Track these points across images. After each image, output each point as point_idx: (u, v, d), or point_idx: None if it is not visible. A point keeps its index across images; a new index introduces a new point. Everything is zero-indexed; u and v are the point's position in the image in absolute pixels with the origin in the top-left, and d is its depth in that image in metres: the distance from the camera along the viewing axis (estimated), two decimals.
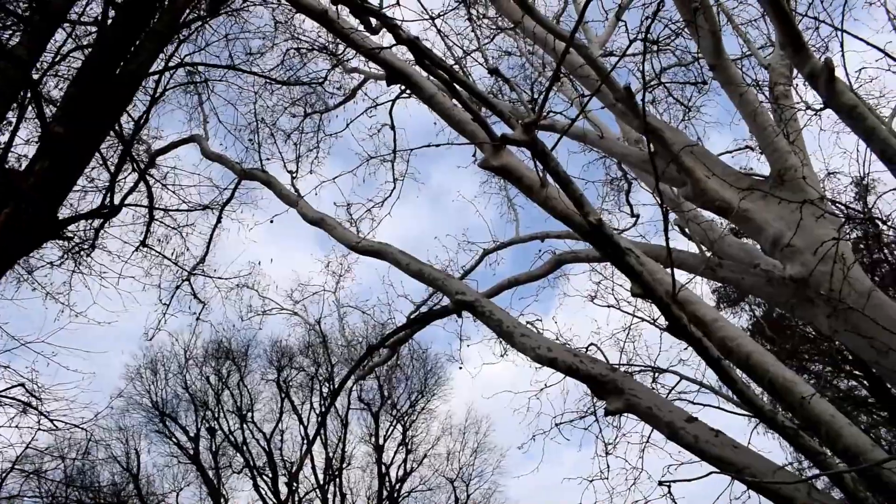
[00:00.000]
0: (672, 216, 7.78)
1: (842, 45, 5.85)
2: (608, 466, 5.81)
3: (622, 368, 9.62)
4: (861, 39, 5.01)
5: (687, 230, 7.66)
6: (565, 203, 4.64)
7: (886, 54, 4.82)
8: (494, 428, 28.50)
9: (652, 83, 7.56)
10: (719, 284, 15.08)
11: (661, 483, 3.39)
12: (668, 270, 4.55)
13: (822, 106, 5.54)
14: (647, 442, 7.96)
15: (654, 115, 6.98)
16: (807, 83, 5.76)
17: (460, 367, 10.55)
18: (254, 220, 11.14)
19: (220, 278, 11.70)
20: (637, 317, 8.95)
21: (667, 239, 3.85)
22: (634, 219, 9.73)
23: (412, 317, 7.37)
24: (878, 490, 4.22)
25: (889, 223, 8.47)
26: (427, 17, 5.49)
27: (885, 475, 4.16)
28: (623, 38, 9.76)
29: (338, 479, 25.82)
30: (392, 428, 27.39)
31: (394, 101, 9.45)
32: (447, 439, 28.05)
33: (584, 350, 5.50)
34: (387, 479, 26.53)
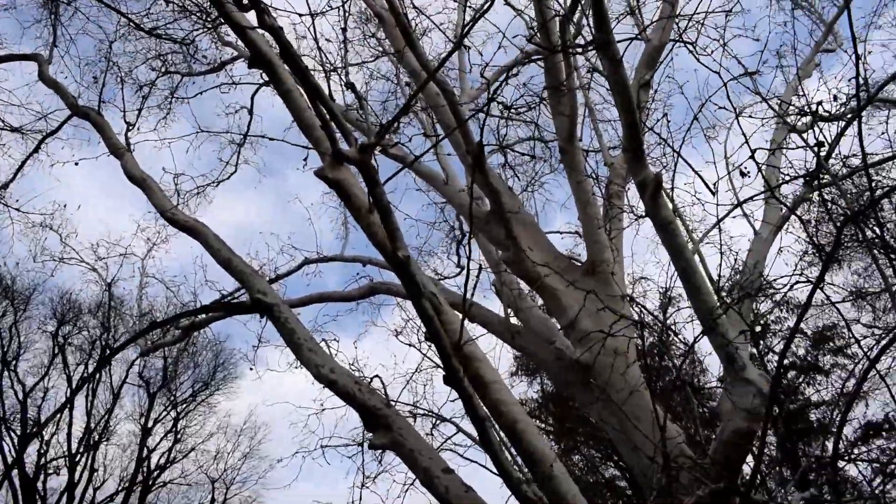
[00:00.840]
0: (492, 277, 8.05)
1: (675, 167, 6.36)
2: (360, 498, 5.81)
3: (406, 409, 9.74)
4: (687, 163, 5.42)
5: (501, 295, 7.93)
6: (384, 233, 4.66)
7: (703, 181, 5.25)
8: (271, 437, 27.86)
9: (504, 146, 7.84)
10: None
11: None
12: (465, 322, 4.67)
13: (644, 214, 5.98)
14: (412, 485, 8.07)
15: (498, 177, 7.21)
16: (637, 190, 6.16)
17: (251, 368, 10.30)
18: (73, 158, 10.28)
19: (19, 210, 10.75)
20: (430, 360, 9.10)
21: (465, 290, 3.96)
22: (459, 269, 9.97)
23: (209, 303, 7.07)
24: None
25: (680, 336, 9.20)
26: (305, 13, 5.38)
27: None
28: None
29: (92, 452, 24.11)
30: (166, 413, 26.09)
31: (258, 87, 9.22)
32: (220, 438, 27.10)
33: (369, 381, 5.50)
34: (146, 463, 25.14)
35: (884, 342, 4.92)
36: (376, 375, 5.53)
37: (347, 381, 5.17)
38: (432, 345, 9.34)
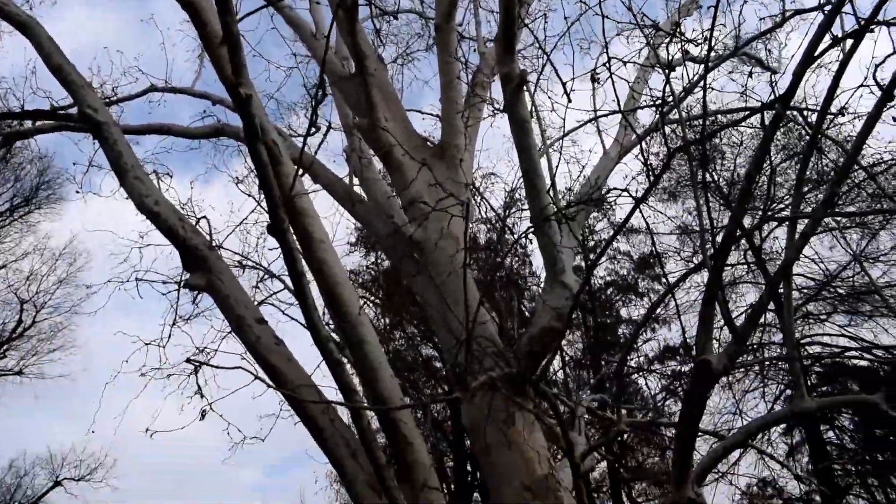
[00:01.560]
0: (346, 143, 7.90)
1: (541, 69, 6.38)
2: (170, 335, 5.73)
3: (234, 259, 9.58)
4: (553, 66, 5.46)
5: (349, 160, 7.81)
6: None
7: (563, 86, 5.31)
8: (91, 266, 26.67)
9: (380, 15, 7.56)
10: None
11: (189, 360, 3.39)
12: (299, 173, 4.59)
13: (503, 108, 6.01)
14: (230, 333, 8.03)
15: (367, 41, 6.97)
16: (501, 84, 6.15)
17: (77, 191, 9.69)
18: None
19: None
20: (263, 209, 8.83)
21: (304, 139, 3.85)
22: (315, 129, 9.70)
23: (33, 109, 6.49)
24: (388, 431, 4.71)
25: (514, 231, 9.53)
26: None
27: (401, 425, 4.66)
28: None
29: None
30: None
31: None
32: (36, 259, 25.65)
33: (195, 221, 5.32)
34: None
35: (682, 274, 5.33)
36: (203, 216, 5.37)
37: (171, 216, 4.99)
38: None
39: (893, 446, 21.86)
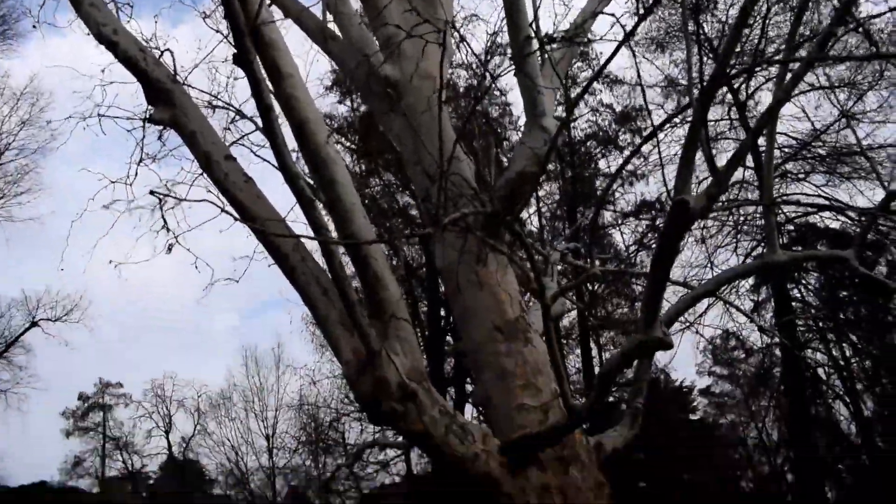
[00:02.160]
0: None
1: None
2: (136, 173, 5.56)
3: (204, 98, 9.22)
4: None
5: None
6: None
7: None
8: (54, 107, 25.85)
9: None
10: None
11: (152, 192, 3.27)
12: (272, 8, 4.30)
13: None
14: (202, 174, 7.85)
15: None
16: None
17: (34, 26, 9.15)
18: None
19: None
20: (230, 43, 8.40)
21: None
22: None
23: None
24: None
25: (494, 77, 9.20)
26: None
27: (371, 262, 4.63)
28: None
29: None
30: None
31: None
32: None
33: (159, 53, 5.03)
34: None
35: (667, 116, 5.19)
36: (167, 49, 5.09)
37: (131, 46, 4.71)
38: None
39: (855, 306, 22.72)
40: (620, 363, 3.74)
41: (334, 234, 4.72)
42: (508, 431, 5.35)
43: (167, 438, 51.36)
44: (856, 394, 22.71)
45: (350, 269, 6.18)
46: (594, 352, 26.10)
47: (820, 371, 22.66)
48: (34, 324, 27.39)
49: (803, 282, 23.26)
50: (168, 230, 4.64)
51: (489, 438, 5.09)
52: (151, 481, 59.23)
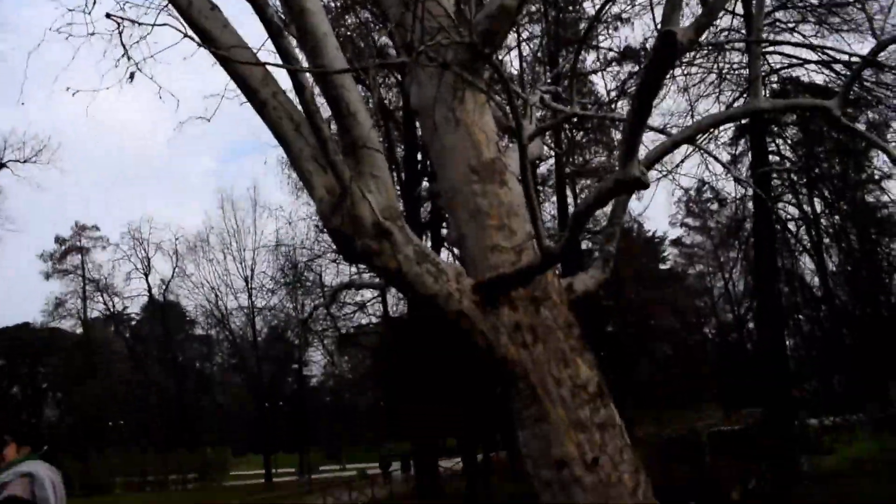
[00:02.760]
0: None
1: None
2: (95, 2, 5.22)
3: None
4: None
5: None
6: None
7: None
8: None
9: None
10: None
11: (108, 16, 3.05)
12: None
13: None
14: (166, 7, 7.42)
15: None
16: None
17: None
18: None
19: None
20: None
21: None
22: None
23: None
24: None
25: None
26: None
27: (343, 93, 4.47)
28: None
29: None
30: None
31: None
32: None
33: None
34: None
35: None
36: None
37: None
38: None
39: (829, 162, 22.86)
40: (596, 202, 3.71)
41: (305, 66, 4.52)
42: (482, 271, 5.42)
43: (146, 280, 52.14)
44: (822, 248, 23.34)
45: (325, 110, 6.01)
46: (570, 199, 26.28)
47: (790, 225, 23.12)
48: (2, 165, 26.82)
49: (782, 136, 23.24)
50: (129, 58, 4.40)
51: (463, 278, 5.15)
52: (133, 322, 60.74)
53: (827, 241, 23.69)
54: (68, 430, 54.27)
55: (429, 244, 28.62)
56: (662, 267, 61.34)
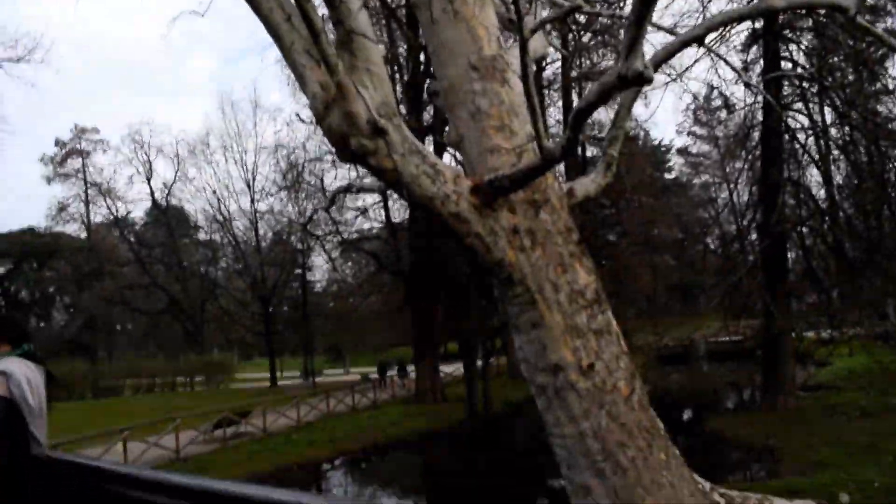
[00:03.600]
0: None
1: None
2: None
3: None
4: None
5: None
6: None
7: None
8: None
9: None
10: None
11: None
12: None
13: None
14: None
15: None
16: None
17: None
18: None
19: None
20: None
21: None
22: None
23: None
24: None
25: None
26: None
27: None
28: None
29: None
30: None
31: None
32: None
33: None
34: None
35: None
36: None
37: None
38: None
39: (843, 71, 22.23)
40: (598, 99, 3.55)
41: None
42: (481, 173, 5.29)
43: (149, 184, 51.85)
44: (830, 159, 22.97)
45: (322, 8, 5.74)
46: (576, 103, 25.76)
47: (799, 135, 22.68)
48: None
49: (797, 42, 22.53)
50: None
51: (461, 179, 5.03)
52: (137, 227, 60.87)
53: (836, 152, 23.23)
54: (77, 333, 55.26)
55: (432, 149, 28.31)
56: (668, 176, 60.98)
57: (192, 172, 72.94)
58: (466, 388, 28.32)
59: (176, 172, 51.54)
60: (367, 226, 36.38)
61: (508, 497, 17.55)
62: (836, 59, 21.63)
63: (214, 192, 48.78)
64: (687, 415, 27.81)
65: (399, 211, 33.83)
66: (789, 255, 24.72)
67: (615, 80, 3.21)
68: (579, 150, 30.39)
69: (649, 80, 3.12)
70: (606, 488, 6.34)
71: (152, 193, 52.53)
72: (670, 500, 6.55)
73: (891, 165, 22.90)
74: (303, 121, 34.53)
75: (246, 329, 52.68)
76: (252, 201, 47.32)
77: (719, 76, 42.22)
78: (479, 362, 29.01)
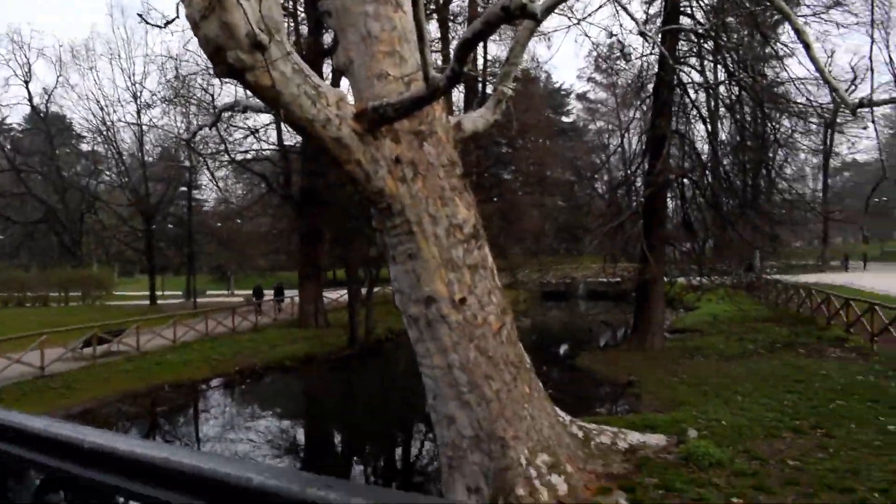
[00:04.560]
0: None
1: None
2: None
3: None
4: None
5: None
6: None
7: None
8: None
9: None
10: None
11: None
12: None
13: None
14: None
15: None
16: None
17: None
18: None
19: None
20: None
21: None
22: None
23: None
24: None
25: None
26: None
27: None
28: None
29: None
30: None
31: None
32: None
33: None
34: None
35: None
36: None
37: None
38: None
39: (737, 32, 22.98)
40: (482, 30, 3.48)
41: None
42: (367, 99, 5.16)
43: (27, 88, 48.17)
44: (717, 116, 23.89)
45: None
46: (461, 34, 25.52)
47: (689, 90, 23.38)
48: None
49: (698, 1, 23.02)
50: None
51: (344, 103, 4.89)
52: (13, 134, 56.66)
53: (723, 110, 24.21)
54: None
55: (330, 74, 27.50)
56: (566, 119, 62.00)
57: (76, 79, 68.23)
58: (349, 314, 28.38)
59: (58, 77, 48.08)
60: (257, 146, 35.25)
61: (386, 421, 17.91)
62: (732, 19, 22.28)
63: (98, 101, 45.88)
64: (563, 350, 29.00)
65: (292, 133, 32.93)
66: (669, 205, 25.77)
67: (499, 12, 3.15)
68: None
69: (532, 15, 3.08)
70: (470, 419, 6.52)
71: (30, 98, 48.92)
72: (530, 431, 6.81)
73: (772, 126, 24.09)
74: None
75: (126, 245, 50.53)
76: (138, 113, 44.85)
77: (621, 26, 42.89)
78: (364, 290, 29.07)
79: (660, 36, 20.92)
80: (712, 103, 23.67)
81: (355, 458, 15.29)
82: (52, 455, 1.36)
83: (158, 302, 43.73)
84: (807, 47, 6.38)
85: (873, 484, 8.39)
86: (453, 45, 30.69)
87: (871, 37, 15.30)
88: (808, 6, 21.28)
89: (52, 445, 1.35)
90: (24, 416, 1.49)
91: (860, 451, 9.76)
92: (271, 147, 34.92)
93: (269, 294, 37.07)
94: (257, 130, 33.48)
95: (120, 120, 46.43)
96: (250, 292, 39.81)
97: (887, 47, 29.39)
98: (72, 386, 17.97)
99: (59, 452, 1.34)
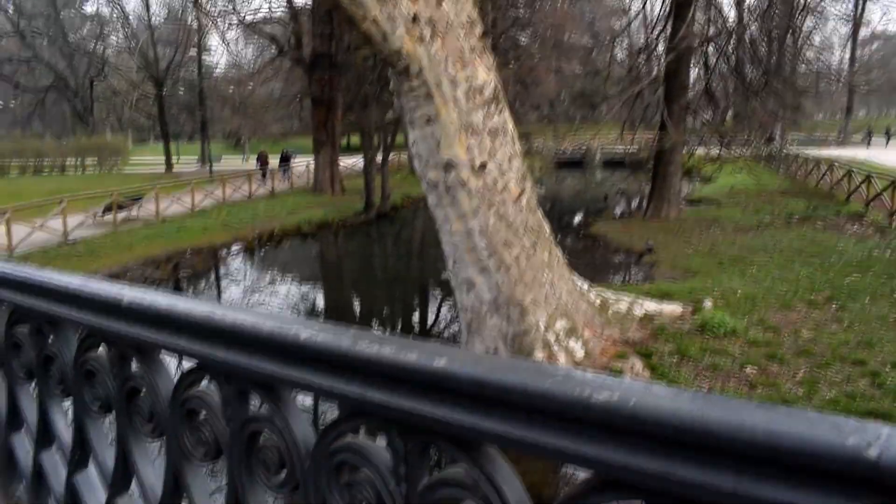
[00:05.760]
0: None
1: None
2: None
3: None
4: None
5: None
6: None
7: None
8: None
9: None
10: None
11: None
12: None
13: None
14: None
15: None
16: None
17: None
18: None
19: None
20: None
21: None
22: None
23: None
24: None
25: None
26: None
27: None
28: None
29: None
30: None
31: None
32: None
33: None
34: None
35: None
36: None
37: None
38: None
39: None
40: None
41: None
42: None
43: None
44: None
45: None
46: None
47: None
48: None
49: None
50: None
51: None
52: None
53: None
54: None
55: None
56: None
57: None
58: (365, 180, 28.33)
59: None
60: (266, 6, 34.08)
61: (404, 286, 18.30)
62: None
63: None
64: (577, 218, 29.08)
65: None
66: (691, 73, 25.01)
67: None
68: None
69: None
70: (489, 284, 6.64)
71: None
72: (549, 297, 6.94)
73: None
74: None
75: (138, 111, 50.00)
76: None
77: None
78: (380, 156, 28.92)
79: None
80: None
81: (375, 320, 15.72)
82: (91, 311, 1.37)
83: (174, 169, 43.81)
84: None
85: (885, 356, 8.56)
86: None
87: None
88: None
89: (91, 302, 1.37)
90: (61, 274, 1.50)
91: (874, 325, 9.89)
92: (281, 7, 33.78)
93: (275, 161, 36.83)
94: None
95: None
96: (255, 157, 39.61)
97: None
98: (95, 251, 18.33)
99: (98, 308, 1.35)
